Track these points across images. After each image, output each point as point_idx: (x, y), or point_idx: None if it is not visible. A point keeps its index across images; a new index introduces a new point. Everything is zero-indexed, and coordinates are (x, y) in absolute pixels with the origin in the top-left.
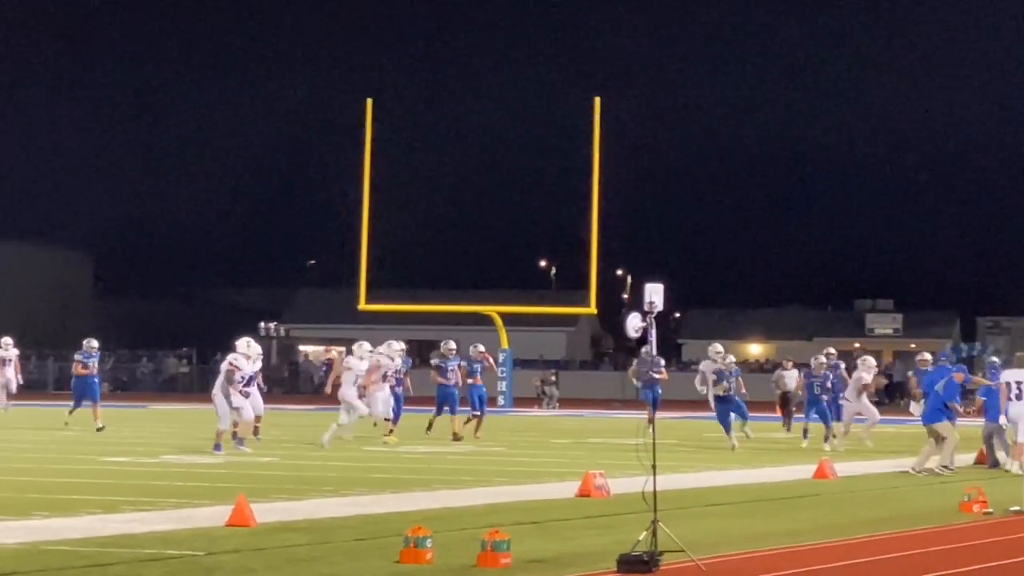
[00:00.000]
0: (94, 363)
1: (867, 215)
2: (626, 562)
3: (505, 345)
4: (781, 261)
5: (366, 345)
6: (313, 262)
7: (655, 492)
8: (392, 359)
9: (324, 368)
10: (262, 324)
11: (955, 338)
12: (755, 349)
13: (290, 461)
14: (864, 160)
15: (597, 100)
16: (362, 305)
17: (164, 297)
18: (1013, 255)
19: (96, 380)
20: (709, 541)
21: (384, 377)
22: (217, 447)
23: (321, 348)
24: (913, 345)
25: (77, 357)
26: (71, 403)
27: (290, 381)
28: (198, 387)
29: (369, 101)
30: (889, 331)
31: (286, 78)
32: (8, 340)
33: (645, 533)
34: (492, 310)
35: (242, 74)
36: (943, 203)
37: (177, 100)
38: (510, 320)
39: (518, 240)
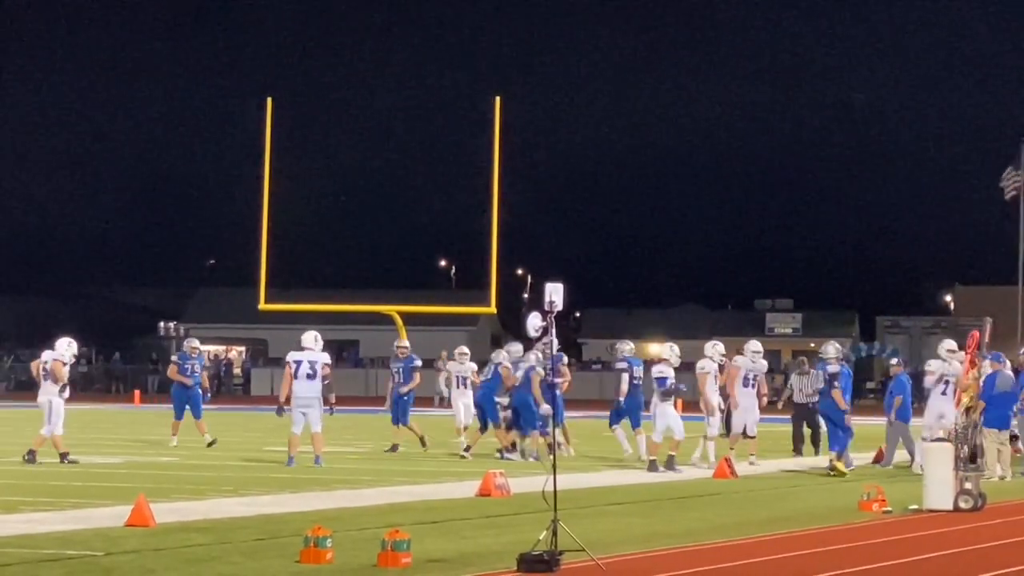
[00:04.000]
0: (196, 367)
1: (767, 214)
2: (526, 561)
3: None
4: (681, 260)
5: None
6: (213, 261)
7: (555, 491)
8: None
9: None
10: (162, 324)
11: (854, 338)
12: (655, 348)
13: (190, 461)
14: (764, 160)
15: (497, 99)
16: (262, 305)
17: (63, 296)
18: (912, 255)
19: (198, 391)
20: (609, 540)
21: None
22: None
23: (222, 348)
24: (812, 344)
25: (174, 359)
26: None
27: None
28: (98, 387)
29: (269, 99)
30: (788, 331)
31: (185, 75)
32: None
33: (545, 532)
34: (392, 309)
35: (139, 71)
36: (843, 203)
37: (75, 97)
38: (410, 320)
39: (418, 239)
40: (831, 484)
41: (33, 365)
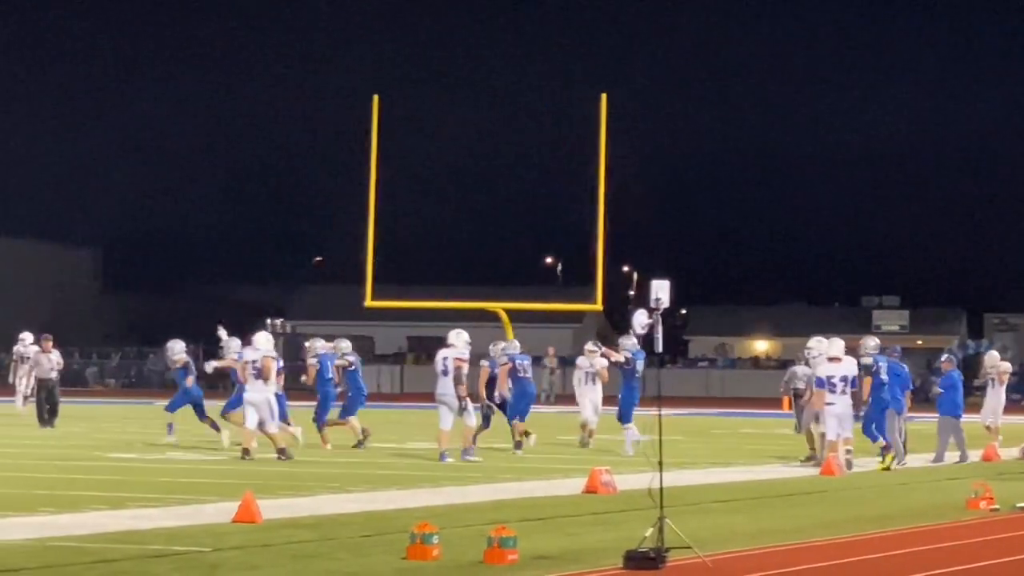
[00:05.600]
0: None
1: (875, 211)
2: (632, 558)
3: (511, 338)
4: (788, 258)
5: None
6: (320, 258)
7: (661, 489)
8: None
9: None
10: (268, 320)
11: (962, 335)
12: (761, 346)
13: (297, 458)
14: (873, 156)
15: (604, 96)
16: (368, 302)
17: (170, 294)
18: (1021, 252)
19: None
20: (715, 537)
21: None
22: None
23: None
24: (919, 342)
25: (311, 361)
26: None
27: (295, 378)
28: (204, 384)
29: (375, 97)
30: (895, 328)
31: (294, 73)
32: (28, 336)
33: (651, 529)
34: (498, 306)
35: (250, 69)
36: (951, 199)
37: (184, 96)
38: (516, 316)
39: (524, 236)
40: (939, 482)
41: (239, 365)
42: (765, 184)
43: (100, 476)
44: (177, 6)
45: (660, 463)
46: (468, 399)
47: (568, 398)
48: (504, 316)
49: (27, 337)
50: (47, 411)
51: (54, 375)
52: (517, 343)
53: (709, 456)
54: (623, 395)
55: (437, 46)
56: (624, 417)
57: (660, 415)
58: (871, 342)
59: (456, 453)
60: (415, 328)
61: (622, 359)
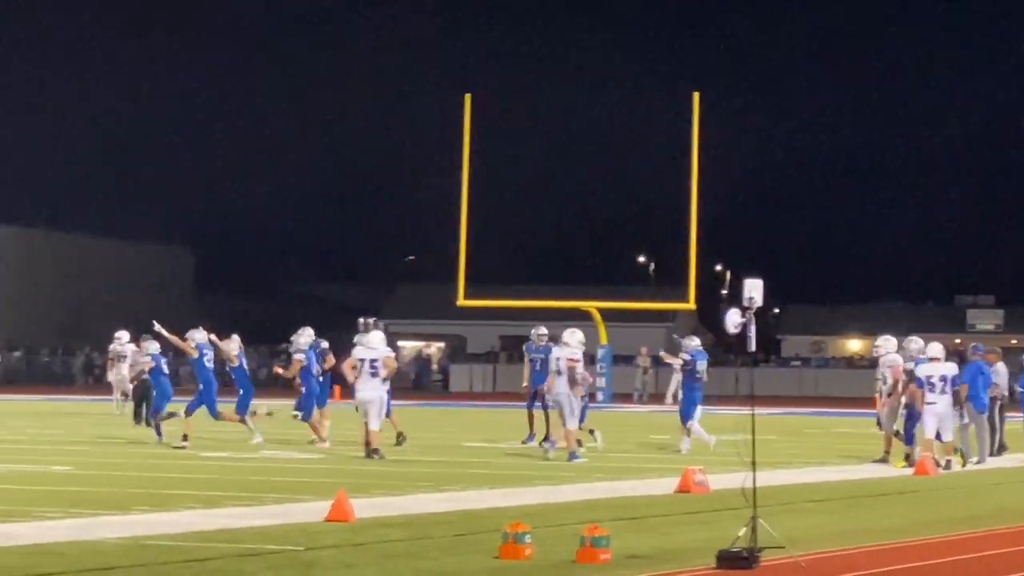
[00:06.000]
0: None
1: (969, 209)
2: (726, 558)
3: (604, 341)
4: (881, 256)
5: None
6: (412, 257)
7: (754, 488)
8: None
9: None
10: (361, 320)
11: None
12: (854, 345)
13: (390, 457)
14: (967, 153)
15: (696, 95)
16: (461, 300)
17: (265, 293)
18: None
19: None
20: (809, 537)
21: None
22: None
23: (420, 343)
24: (1014, 341)
25: (298, 356)
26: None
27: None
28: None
29: (468, 96)
30: (990, 327)
31: (386, 72)
32: (124, 334)
33: (745, 529)
34: (591, 305)
35: (341, 68)
36: None
37: (277, 96)
38: (608, 316)
39: (617, 235)
40: None
41: (346, 365)
42: (860, 182)
43: (194, 475)
44: (264, 8)
45: (753, 462)
46: (576, 401)
47: (661, 397)
48: (597, 315)
49: (123, 336)
50: (143, 410)
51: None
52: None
53: (802, 455)
54: (684, 395)
55: (531, 45)
56: (684, 417)
57: (753, 414)
58: (913, 345)
59: (558, 453)
60: (507, 327)
61: (679, 362)
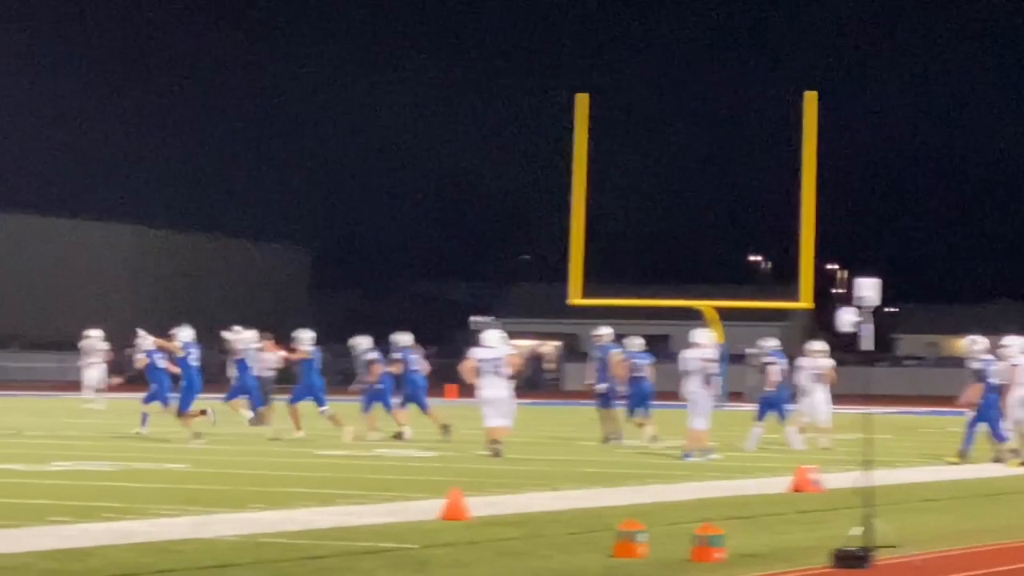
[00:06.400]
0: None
1: None
2: (840, 557)
3: (719, 339)
4: (996, 254)
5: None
6: (526, 256)
7: (869, 487)
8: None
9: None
10: (474, 318)
11: None
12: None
13: (504, 455)
14: None
15: (811, 94)
16: (575, 300)
17: (380, 292)
18: None
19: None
20: (923, 537)
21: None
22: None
23: (534, 342)
24: None
25: (396, 356)
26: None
27: None
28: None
29: (584, 96)
30: None
31: (500, 71)
32: (246, 332)
33: (859, 528)
34: (704, 304)
35: (456, 67)
36: None
37: (395, 97)
38: (722, 314)
39: (731, 233)
40: None
41: (466, 366)
42: (976, 180)
43: (309, 473)
44: (400, 8)
45: (868, 461)
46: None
47: None
48: (711, 314)
49: (245, 333)
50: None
51: (271, 374)
52: (639, 341)
53: (917, 455)
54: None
55: (642, 44)
56: (761, 415)
57: (868, 413)
58: (977, 346)
59: (688, 451)
60: (621, 326)
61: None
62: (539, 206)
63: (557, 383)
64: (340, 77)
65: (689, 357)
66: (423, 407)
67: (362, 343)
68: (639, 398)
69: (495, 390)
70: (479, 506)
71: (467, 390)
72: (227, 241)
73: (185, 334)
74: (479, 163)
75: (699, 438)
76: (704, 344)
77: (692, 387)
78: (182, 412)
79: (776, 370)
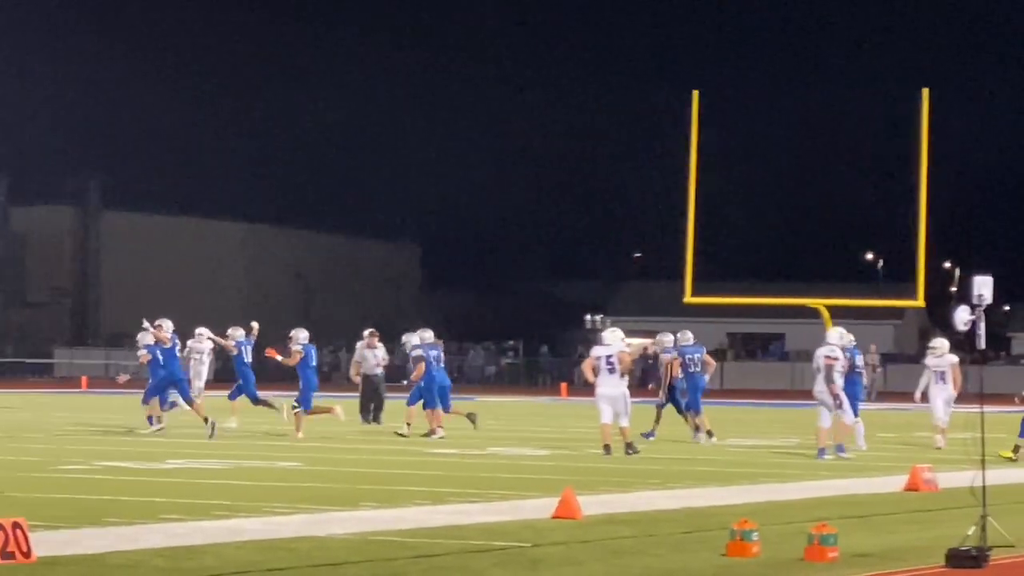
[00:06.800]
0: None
1: None
2: (954, 557)
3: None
4: None
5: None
6: (639, 254)
7: (984, 487)
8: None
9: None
10: (587, 317)
11: None
12: None
13: (616, 453)
14: None
15: (925, 92)
16: (687, 298)
17: (490, 289)
18: None
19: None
20: None
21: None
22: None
23: (646, 340)
24: None
25: (296, 348)
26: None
27: None
28: (525, 380)
29: (695, 92)
30: None
31: (614, 69)
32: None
33: (974, 528)
34: (818, 303)
35: (568, 64)
36: None
37: (503, 93)
38: (836, 313)
39: (844, 232)
40: None
41: (585, 364)
42: None
43: (421, 471)
44: (501, 4)
45: (983, 460)
46: (842, 396)
47: (889, 395)
48: (825, 312)
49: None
50: (372, 407)
51: (379, 371)
52: (690, 335)
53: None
54: (846, 391)
55: (758, 42)
56: (854, 411)
57: (982, 412)
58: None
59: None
60: (735, 324)
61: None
62: (652, 204)
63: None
64: (454, 76)
65: (817, 355)
66: (446, 407)
67: (412, 339)
68: (692, 393)
69: (611, 387)
70: (591, 505)
71: (578, 389)
72: (337, 239)
73: (238, 333)
74: (591, 161)
75: (824, 436)
76: (832, 342)
77: (818, 386)
78: (256, 400)
79: (840, 365)
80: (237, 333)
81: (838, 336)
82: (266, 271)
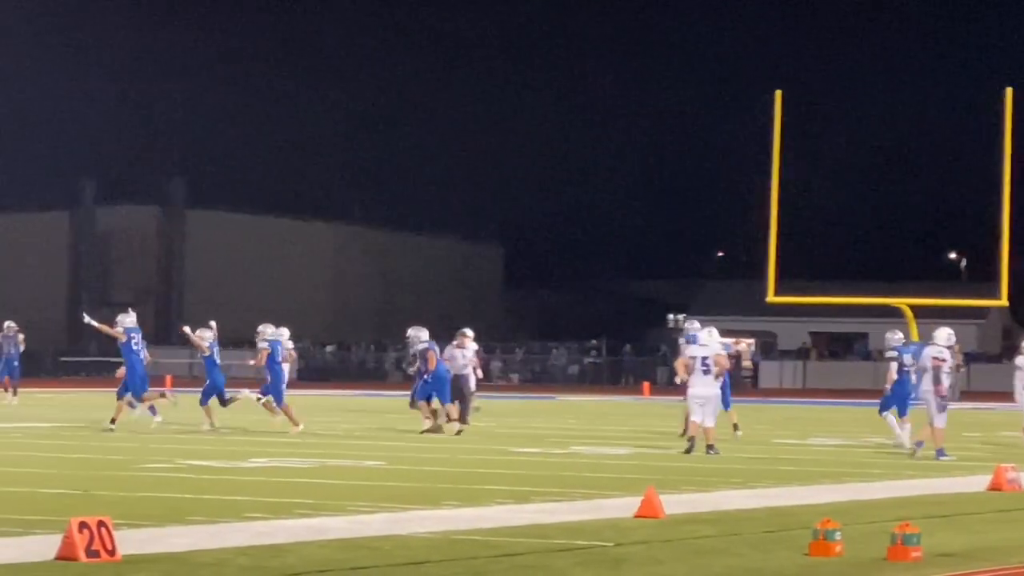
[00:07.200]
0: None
1: None
2: None
3: (915, 338)
4: None
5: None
6: (722, 253)
7: None
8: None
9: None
10: (670, 316)
11: None
12: None
13: (697, 453)
14: None
15: (1009, 91)
16: (770, 297)
17: (572, 288)
18: None
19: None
20: None
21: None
22: None
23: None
24: None
25: (262, 345)
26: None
27: None
28: (607, 379)
29: (778, 92)
30: None
31: (697, 68)
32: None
33: None
34: (901, 302)
35: (652, 64)
36: None
37: (586, 90)
38: (919, 312)
39: (927, 231)
40: None
41: (679, 363)
42: None
43: (503, 470)
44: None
45: None
46: (946, 399)
47: (972, 394)
48: (908, 312)
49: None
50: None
51: (467, 371)
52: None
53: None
54: (894, 389)
55: (843, 40)
56: (883, 407)
57: None
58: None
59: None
60: (818, 323)
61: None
62: (735, 203)
63: (753, 381)
64: (532, 71)
65: (924, 355)
66: (443, 399)
67: (422, 334)
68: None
69: (705, 388)
70: (674, 504)
71: (659, 389)
72: (420, 237)
73: (128, 320)
74: (674, 160)
75: (940, 436)
76: (939, 343)
77: (924, 386)
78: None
79: (895, 366)
80: (207, 334)
81: (946, 337)
82: (349, 269)
